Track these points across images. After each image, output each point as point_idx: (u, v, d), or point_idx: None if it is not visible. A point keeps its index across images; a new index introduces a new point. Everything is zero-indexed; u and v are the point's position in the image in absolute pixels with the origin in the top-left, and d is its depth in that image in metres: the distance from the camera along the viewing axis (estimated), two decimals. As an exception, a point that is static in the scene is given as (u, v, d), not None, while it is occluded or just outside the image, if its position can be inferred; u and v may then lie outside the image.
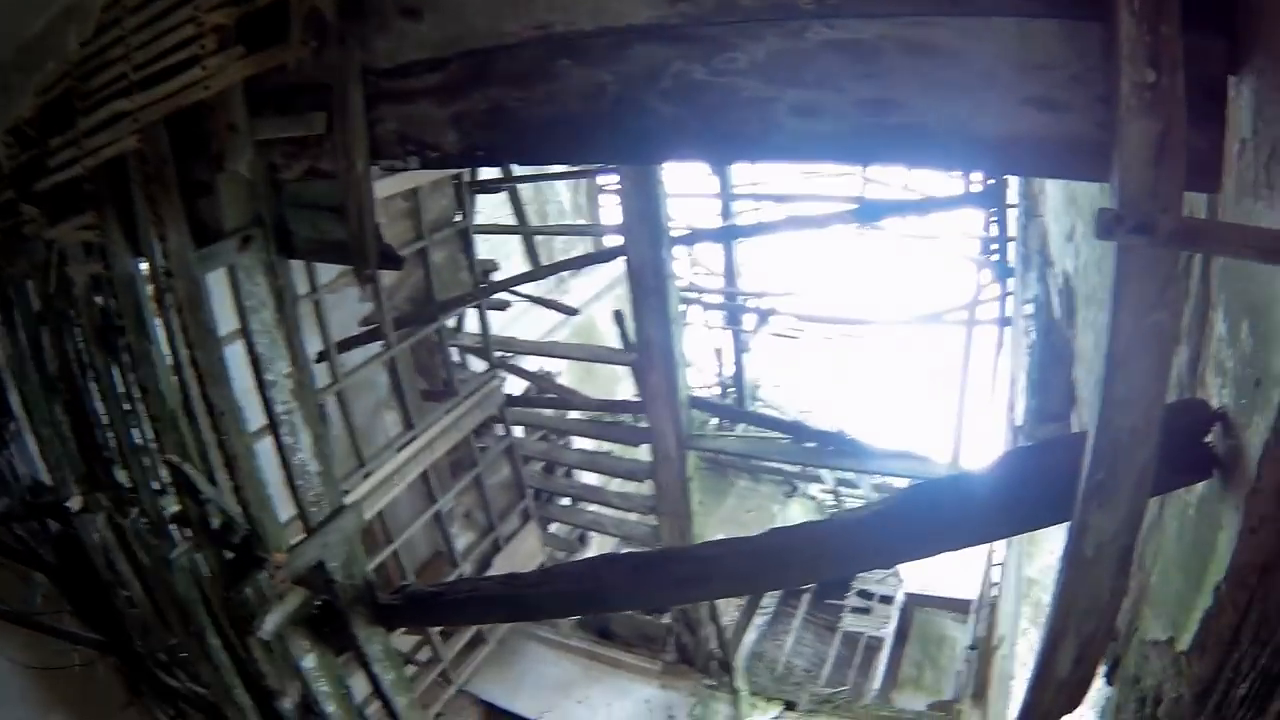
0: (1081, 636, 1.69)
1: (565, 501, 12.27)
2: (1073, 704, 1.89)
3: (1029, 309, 9.03)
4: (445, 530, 9.97)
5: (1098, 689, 3.23)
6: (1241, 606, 1.49)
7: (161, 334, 3.94)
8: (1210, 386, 1.80)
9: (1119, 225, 1.53)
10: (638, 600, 3.05)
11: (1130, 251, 1.55)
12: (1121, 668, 2.38)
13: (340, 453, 8.05)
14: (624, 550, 13.61)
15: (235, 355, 3.97)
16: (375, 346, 8.60)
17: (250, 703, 4.73)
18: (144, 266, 3.93)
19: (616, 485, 13.42)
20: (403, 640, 9.78)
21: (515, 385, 11.23)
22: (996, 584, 10.18)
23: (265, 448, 4.20)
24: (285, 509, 4.34)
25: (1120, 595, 1.91)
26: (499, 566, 10.96)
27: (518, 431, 11.33)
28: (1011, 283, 12.30)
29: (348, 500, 4.53)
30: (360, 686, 4.79)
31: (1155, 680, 1.95)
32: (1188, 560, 1.80)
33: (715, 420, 15.70)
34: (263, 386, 3.94)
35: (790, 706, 10.91)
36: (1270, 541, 1.42)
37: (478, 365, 10.50)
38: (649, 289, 8.54)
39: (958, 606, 13.48)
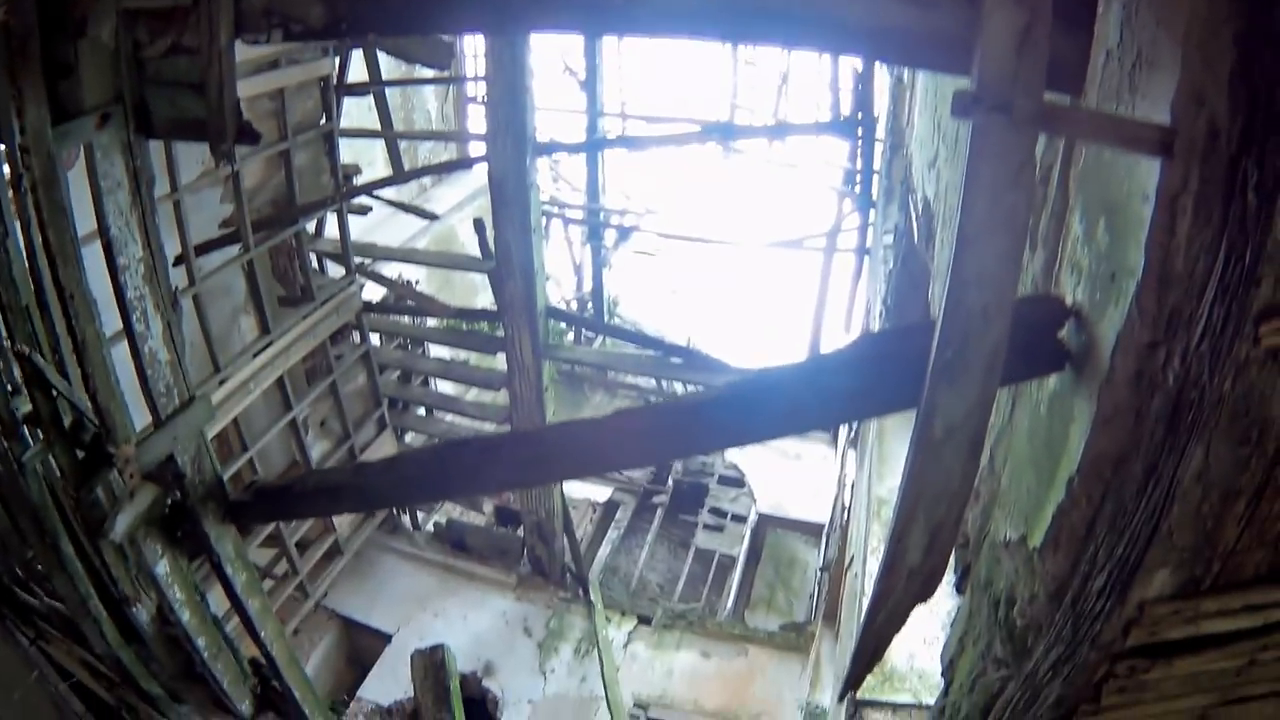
0: (931, 523, 1.69)
1: (421, 411, 12.15)
2: (925, 593, 1.92)
3: (889, 239, 9.19)
4: (300, 438, 9.78)
5: (949, 598, 3.30)
6: (1096, 499, 1.51)
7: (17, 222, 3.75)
8: (1065, 286, 1.82)
9: (976, 105, 1.52)
10: (484, 484, 3.00)
11: (987, 131, 1.53)
12: (972, 574, 2.42)
13: (196, 359, 7.81)
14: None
15: (94, 253, 3.80)
16: (234, 251, 8.35)
17: (105, 614, 4.58)
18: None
19: (473, 395, 13.33)
20: (259, 554, 9.63)
21: (374, 293, 11.04)
22: (848, 507, 10.43)
23: (120, 351, 4.03)
24: (140, 415, 4.18)
25: (970, 481, 1.92)
26: (355, 478, 10.79)
27: (375, 339, 11.16)
28: (873, 214, 12.53)
29: (202, 403, 4.38)
30: (220, 601, 4.68)
31: (1008, 582, 1.98)
32: (1039, 457, 1.82)
33: (573, 335, 15.74)
34: (114, 271, 3.77)
35: (644, 621, 11.06)
36: (1123, 432, 1.44)
37: (337, 272, 10.27)
38: (510, 198, 8.46)
39: (810, 529, 13.78)
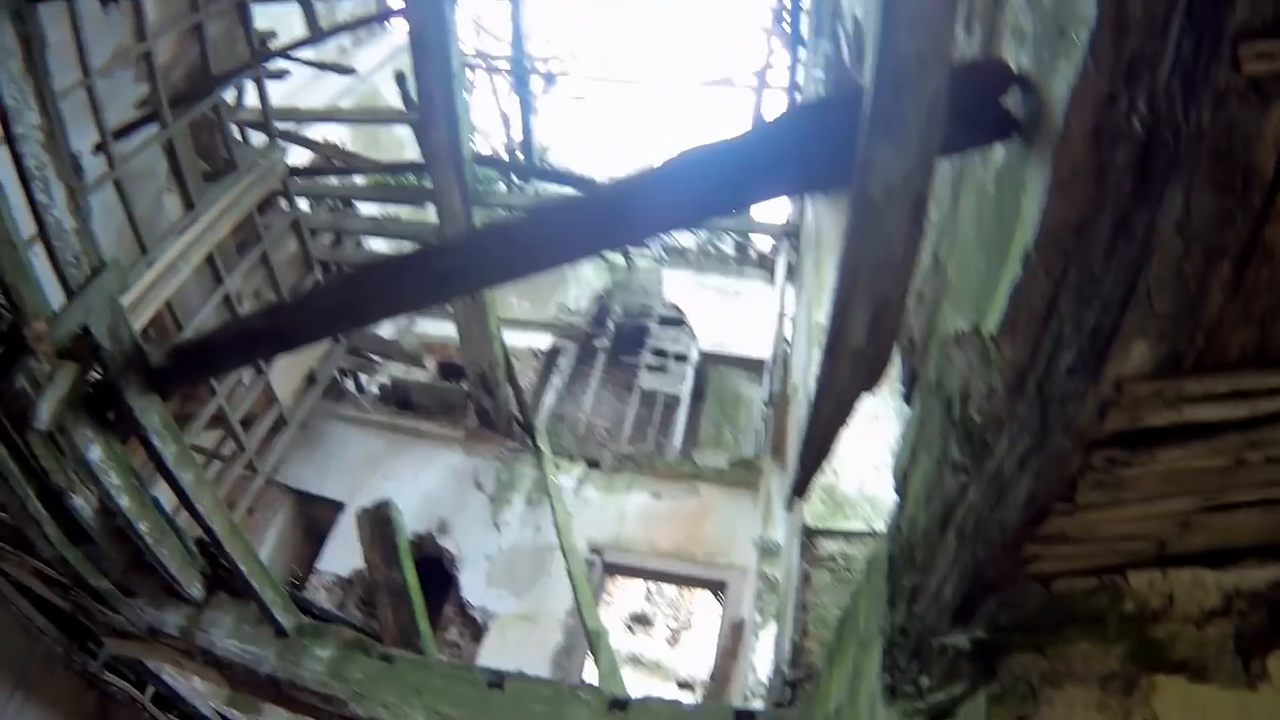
0: (875, 299, 1.53)
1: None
2: (871, 379, 1.78)
3: (819, 74, 8.95)
4: (235, 313, 9.50)
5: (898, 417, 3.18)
6: (1056, 270, 1.34)
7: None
8: (1009, 55, 1.64)
9: None
10: (402, 304, 2.80)
11: None
12: (921, 379, 2.28)
13: (123, 244, 7.63)
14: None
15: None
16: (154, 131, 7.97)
17: (46, 514, 4.37)
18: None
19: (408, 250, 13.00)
20: (207, 437, 9.42)
21: (300, 157, 10.67)
22: (789, 340, 10.36)
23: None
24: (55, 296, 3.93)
25: (915, 251, 1.75)
26: (291, 345, 10.55)
27: (304, 204, 10.81)
28: (802, 52, 12.19)
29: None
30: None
31: (961, 379, 1.83)
32: (989, 239, 1.65)
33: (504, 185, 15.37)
34: (11, 141, 3.49)
35: (594, 466, 11.03)
36: (1084, 193, 1.27)
37: (261, 142, 9.87)
38: (429, 46, 8.10)
39: (752, 365, 13.76)
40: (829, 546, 5.07)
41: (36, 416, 3.69)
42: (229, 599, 4.83)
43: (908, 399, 2.54)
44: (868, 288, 1.53)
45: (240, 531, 4.60)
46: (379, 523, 4.82)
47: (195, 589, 4.76)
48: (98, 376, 3.92)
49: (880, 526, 4.81)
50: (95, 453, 4.07)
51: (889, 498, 2.67)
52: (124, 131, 7.80)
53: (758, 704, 6.50)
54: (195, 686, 8.33)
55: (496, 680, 4.36)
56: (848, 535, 5.06)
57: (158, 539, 4.48)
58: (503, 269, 2.31)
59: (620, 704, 4.26)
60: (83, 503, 4.50)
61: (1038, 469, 1.44)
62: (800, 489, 2.04)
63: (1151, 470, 1.41)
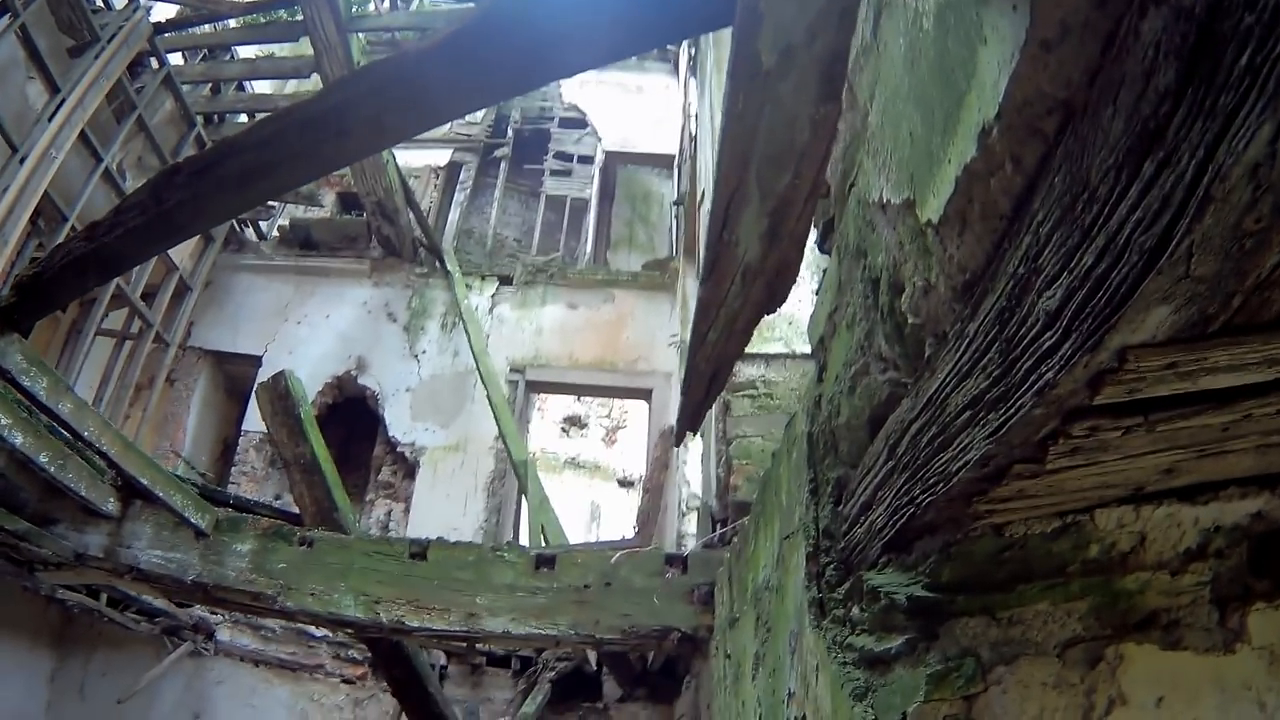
0: (771, 198, 1.18)
1: (242, 118, 11.07)
2: (771, 300, 1.44)
3: None
4: (121, 186, 8.83)
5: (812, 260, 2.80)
6: (1031, 166, 0.95)
7: None
8: None
9: None
10: (210, 213, 2.41)
11: None
12: (838, 233, 1.90)
13: None
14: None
15: None
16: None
17: None
18: None
19: (290, 89, 12.25)
20: (112, 320, 8.94)
21: (165, 12, 9.81)
22: (694, 137, 9.88)
23: None
24: None
25: (828, 133, 1.38)
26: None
27: (175, 59, 9.99)
28: None
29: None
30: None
31: (889, 257, 1.45)
32: (926, 92, 1.26)
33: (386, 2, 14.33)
34: None
35: (505, 282, 10.66)
36: (1079, 67, 0.87)
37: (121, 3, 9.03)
38: None
39: (660, 161, 13.28)
40: (748, 371, 4.79)
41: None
42: (145, 509, 4.53)
43: (822, 246, 2.18)
44: (761, 185, 1.14)
45: (134, 445, 4.28)
46: (278, 397, 4.45)
47: (110, 504, 4.45)
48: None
49: (802, 348, 4.53)
50: None
51: (808, 321, 2.36)
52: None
53: (691, 521, 6.39)
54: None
55: (419, 550, 4.11)
56: (767, 359, 4.79)
57: (62, 464, 4.15)
58: (312, 161, 1.89)
59: (547, 560, 4.05)
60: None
61: (996, 428, 1.09)
62: (687, 431, 1.72)
63: (1141, 436, 1.06)
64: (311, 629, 8.37)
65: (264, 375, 9.90)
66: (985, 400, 1.12)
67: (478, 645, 4.15)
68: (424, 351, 10.13)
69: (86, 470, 4.34)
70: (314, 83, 9.79)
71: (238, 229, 11.30)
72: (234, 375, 10.67)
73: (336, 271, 10.77)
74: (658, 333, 10.06)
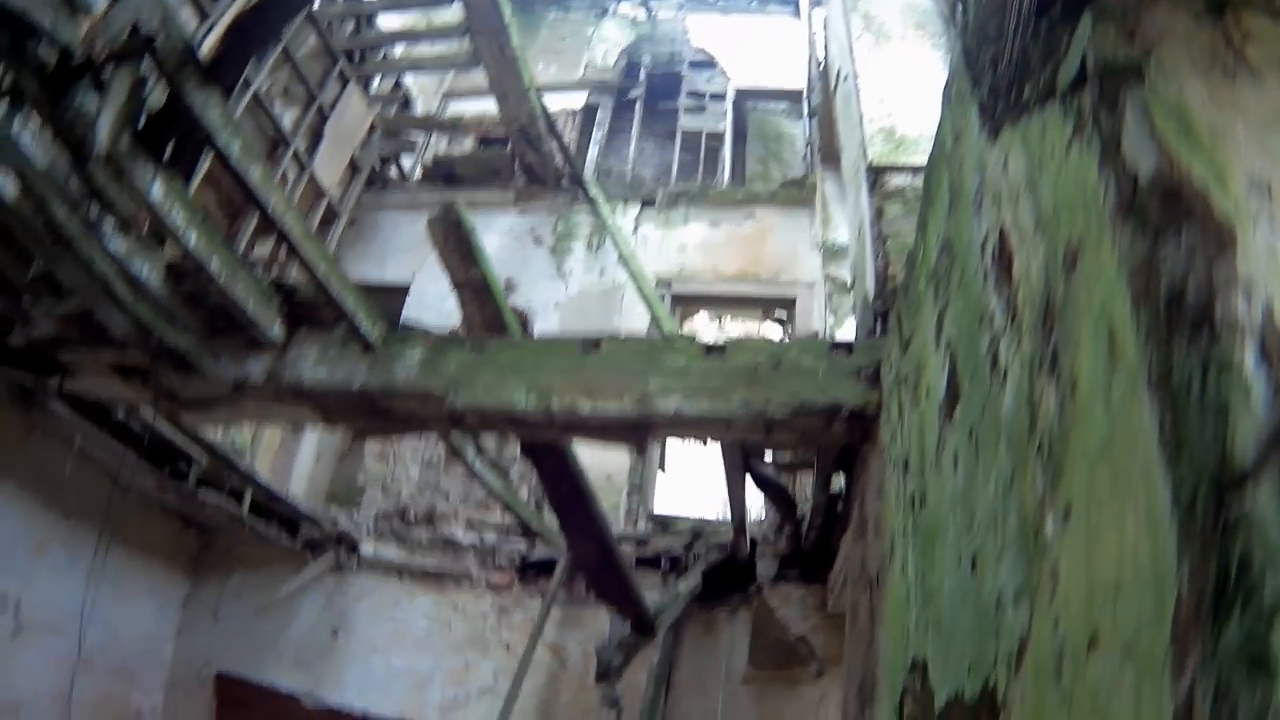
0: None
1: (380, 55, 11.41)
2: None
3: None
4: (269, 110, 9.22)
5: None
6: None
7: None
8: None
9: None
10: None
11: None
12: None
13: None
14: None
15: None
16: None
17: (116, 273, 4.14)
18: None
19: (426, 24, 12.50)
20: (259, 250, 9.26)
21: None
22: (822, 61, 9.83)
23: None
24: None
25: None
26: (329, 134, 10.30)
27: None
28: None
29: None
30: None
31: None
32: None
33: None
34: None
35: (648, 204, 10.76)
36: None
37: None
38: None
39: (790, 97, 13.25)
40: (896, 180, 4.82)
41: (96, 137, 3.48)
42: (310, 334, 4.64)
43: None
44: None
45: (315, 236, 4.38)
46: (450, 226, 4.57)
47: (275, 330, 4.57)
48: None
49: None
50: (157, 190, 3.84)
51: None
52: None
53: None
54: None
55: (592, 346, 4.19)
56: (914, 170, 4.79)
57: (231, 275, 4.27)
58: None
59: (718, 348, 4.08)
60: (148, 270, 4.31)
61: None
62: None
63: None
64: (459, 536, 8.52)
65: (412, 303, 10.20)
66: None
67: (648, 440, 4.17)
68: (571, 271, 10.28)
69: (255, 288, 4.45)
70: (454, 12, 10.03)
71: (380, 168, 11.62)
72: (380, 305, 10.94)
73: (482, 202, 10.97)
74: (799, 246, 10.03)
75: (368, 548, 8.67)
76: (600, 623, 7.79)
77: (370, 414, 4.51)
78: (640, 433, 4.07)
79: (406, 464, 9.36)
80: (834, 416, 3.89)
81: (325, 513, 8.63)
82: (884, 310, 4.26)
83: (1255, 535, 0.97)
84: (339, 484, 9.76)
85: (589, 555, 5.41)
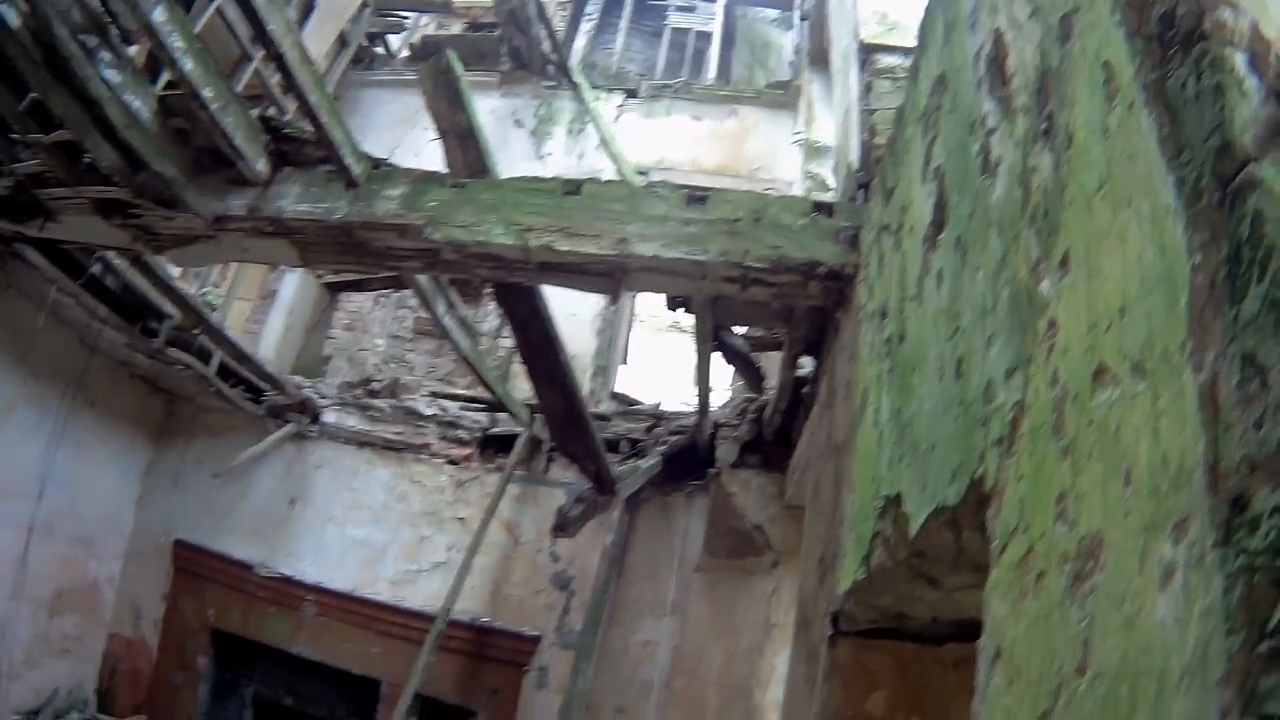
0: None
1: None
2: None
3: None
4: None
5: None
6: None
7: None
8: None
9: None
10: None
11: None
12: None
13: None
14: None
15: None
16: None
17: (107, 92, 4.03)
18: None
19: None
20: None
21: None
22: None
23: None
24: None
25: None
26: (321, 5, 10.06)
27: None
28: None
29: None
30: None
31: None
32: None
33: None
34: None
35: (631, 94, 10.63)
36: None
37: None
38: None
39: (781, 6, 13.06)
40: (886, 59, 4.77)
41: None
42: (294, 172, 4.58)
43: None
44: None
45: (311, 64, 4.28)
46: (439, 72, 4.48)
47: (260, 165, 4.50)
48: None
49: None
50: (159, 12, 3.76)
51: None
52: None
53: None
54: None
55: (573, 187, 4.15)
56: (905, 50, 4.74)
57: (223, 106, 4.19)
58: None
59: (699, 197, 4.05)
60: (139, 104, 4.23)
61: None
62: None
63: None
64: (421, 408, 8.49)
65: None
66: None
67: (622, 286, 4.14)
68: (549, 154, 10.17)
69: (244, 121, 4.38)
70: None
71: (368, 44, 11.41)
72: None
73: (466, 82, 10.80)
74: (780, 146, 9.95)
75: (330, 416, 8.64)
76: (556, 502, 7.84)
77: (348, 248, 4.47)
78: (616, 277, 4.04)
79: (373, 336, 9.32)
80: (811, 274, 3.88)
81: (290, 380, 8.58)
82: (865, 181, 4.23)
83: (1264, 198, 0.96)
84: (305, 358, 9.71)
85: (555, 405, 5.42)
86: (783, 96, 10.43)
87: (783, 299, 4.16)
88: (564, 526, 6.41)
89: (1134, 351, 1.18)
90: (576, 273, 4.08)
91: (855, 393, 3.33)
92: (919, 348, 2.45)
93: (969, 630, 2.76)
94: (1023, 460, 1.53)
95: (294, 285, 9.86)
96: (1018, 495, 1.53)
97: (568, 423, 5.60)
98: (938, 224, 2.43)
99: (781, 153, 9.87)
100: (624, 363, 9.50)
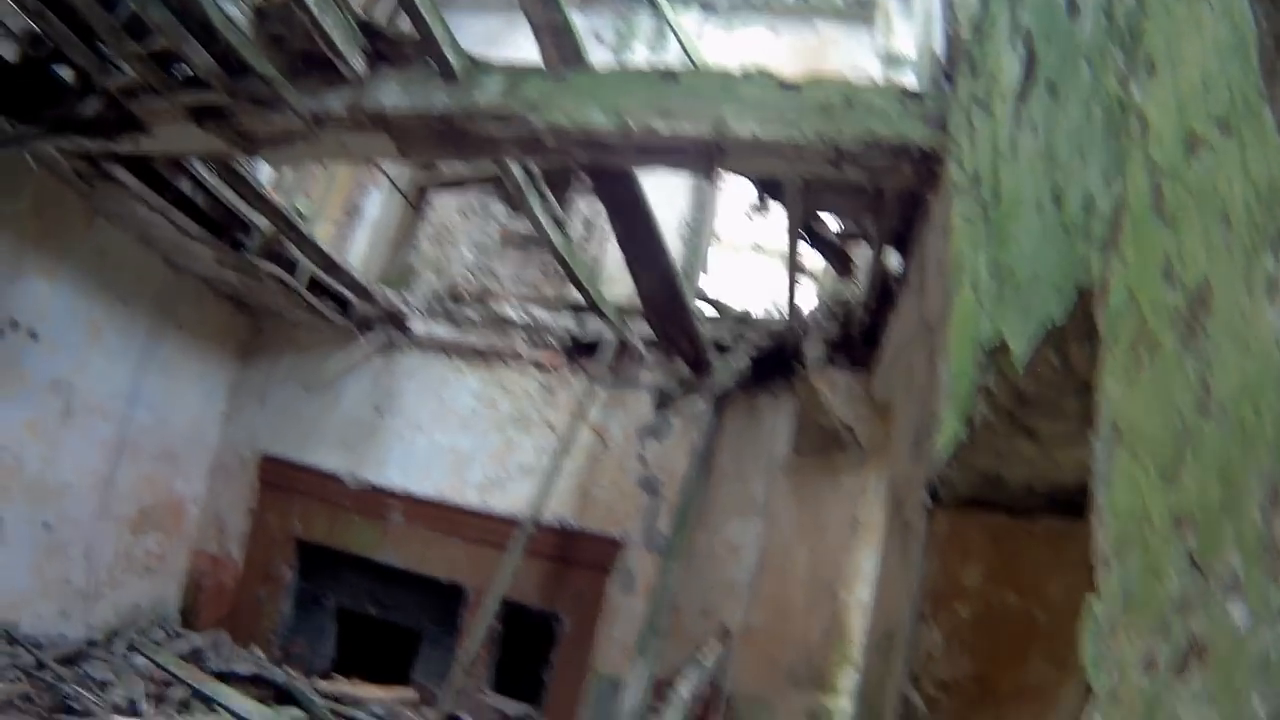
0: None
1: None
2: None
3: None
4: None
5: None
6: None
7: None
8: None
9: None
10: None
11: None
12: None
13: None
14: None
15: None
16: None
17: (217, 13, 4.23)
18: None
19: None
20: None
21: None
22: None
23: None
24: None
25: None
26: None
27: None
28: None
29: None
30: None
31: None
32: None
33: None
34: None
35: (709, 9, 10.63)
36: None
37: None
38: None
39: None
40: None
41: None
42: (391, 69, 4.75)
43: None
44: None
45: None
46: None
47: (358, 64, 4.67)
48: None
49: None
50: None
51: None
52: None
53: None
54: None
55: (670, 75, 4.29)
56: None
57: (323, 7, 4.37)
58: None
59: (793, 84, 4.17)
60: (236, 10, 4.42)
61: None
62: None
63: None
64: (509, 314, 8.65)
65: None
66: None
67: (718, 168, 4.27)
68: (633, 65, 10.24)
69: (342, 22, 4.55)
70: None
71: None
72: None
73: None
74: (859, 59, 9.91)
75: (418, 326, 8.84)
76: (644, 406, 8.00)
77: (448, 138, 4.64)
78: (714, 158, 4.18)
79: (460, 248, 9.50)
80: (903, 154, 3.99)
81: (379, 289, 8.78)
82: (950, 71, 4.31)
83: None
84: (393, 271, 9.91)
85: (653, 287, 5.59)
86: (860, 10, 10.37)
87: (876, 179, 4.27)
88: (664, 404, 6.57)
89: (1220, 110, 1.31)
90: (675, 152, 4.22)
91: (949, 266, 3.42)
92: (1014, 198, 2.54)
93: (1060, 505, 2.87)
94: (1127, 248, 1.63)
95: (379, 201, 10.05)
96: (1125, 282, 1.62)
97: (665, 304, 5.75)
98: (1028, 78, 2.53)
99: (860, 66, 9.83)
100: (705, 271, 9.60)
